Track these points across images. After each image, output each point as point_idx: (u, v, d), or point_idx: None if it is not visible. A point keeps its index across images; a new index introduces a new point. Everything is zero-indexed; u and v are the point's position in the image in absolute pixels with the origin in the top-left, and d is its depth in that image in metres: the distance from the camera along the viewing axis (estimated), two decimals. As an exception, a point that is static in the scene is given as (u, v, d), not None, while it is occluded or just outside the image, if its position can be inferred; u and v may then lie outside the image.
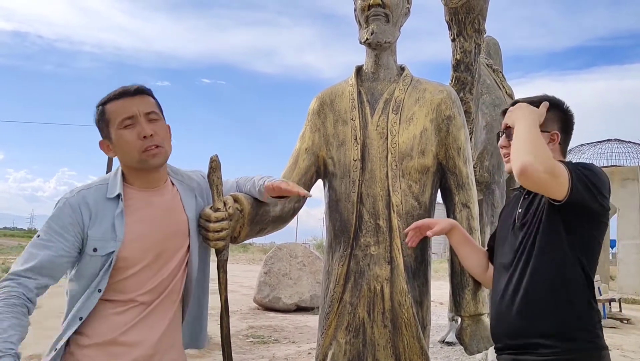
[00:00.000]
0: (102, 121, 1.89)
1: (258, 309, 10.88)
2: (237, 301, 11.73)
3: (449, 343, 6.89)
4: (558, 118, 1.98)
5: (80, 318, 1.77)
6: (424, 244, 2.37)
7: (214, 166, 1.99)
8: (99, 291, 1.79)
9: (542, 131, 1.86)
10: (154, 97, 1.97)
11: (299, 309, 10.64)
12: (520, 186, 2.01)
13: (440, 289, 11.65)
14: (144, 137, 1.85)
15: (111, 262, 1.79)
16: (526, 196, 1.98)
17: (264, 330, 8.53)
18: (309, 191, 2.46)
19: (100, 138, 1.94)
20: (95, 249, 1.79)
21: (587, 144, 23.65)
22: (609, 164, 20.95)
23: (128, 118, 1.85)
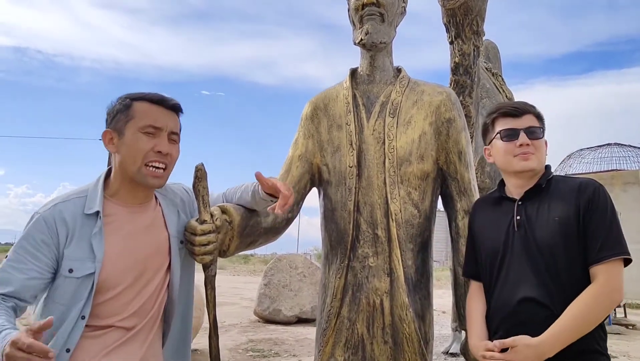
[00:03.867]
0: (123, 114, 1.77)
1: (259, 321, 10.73)
2: (237, 314, 11.60)
3: (453, 355, 6.73)
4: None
5: (68, 350, 1.63)
6: (425, 255, 2.24)
7: (200, 175, 1.86)
8: (83, 318, 1.65)
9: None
10: (180, 120, 1.88)
11: (300, 321, 10.49)
12: (504, 194, 2.01)
13: (442, 298, 11.51)
14: (159, 151, 1.75)
15: (93, 285, 1.65)
16: (520, 203, 1.94)
17: (264, 343, 8.38)
18: (302, 200, 2.34)
19: (106, 128, 1.80)
20: (71, 270, 1.65)
21: (587, 148, 23.53)
22: (610, 169, 20.83)
23: (154, 127, 1.76)
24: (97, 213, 1.71)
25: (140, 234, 1.79)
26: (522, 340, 1.72)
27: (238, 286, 18.04)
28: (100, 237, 1.69)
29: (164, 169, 1.78)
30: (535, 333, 1.73)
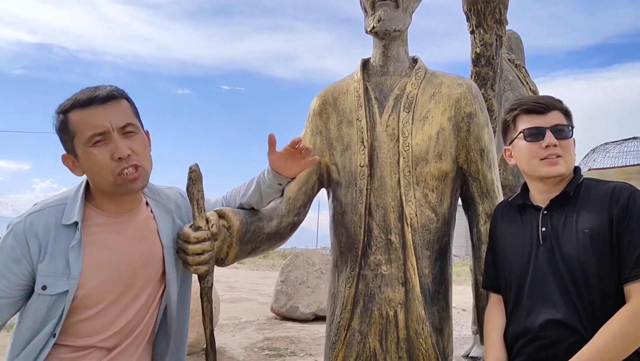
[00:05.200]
0: (65, 133, 1.55)
1: (275, 318, 10.60)
2: (254, 311, 11.49)
3: (474, 358, 6.50)
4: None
5: None
6: (443, 263, 2.05)
7: (194, 176, 1.69)
8: (54, 336, 1.49)
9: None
10: (129, 101, 1.63)
11: (317, 318, 10.33)
12: (528, 201, 1.81)
13: (462, 295, 11.24)
14: (119, 158, 1.52)
15: (65, 304, 1.49)
16: (545, 213, 1.73)
17: (281, 342, 8.24)
18: (310, 202, 2.16)
19: (63, 151, 1.60)
20: (44, 287, 1.49)
21: (612, 142, 23.04)
22: (635, 163, 20.35)
23: (98, 134, 1.51)
24: (76, 223, 1.54)
25: (127, 245, 1.61)
26: None
27: (257, 281, 17.90)
28: (79, 250, 1.52)
29: (137, 168, 1.56)
30: (561, 359, 1.54)
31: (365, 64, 2.22)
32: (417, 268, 1.97)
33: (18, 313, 1.56)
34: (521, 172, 1.88)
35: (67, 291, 1.49)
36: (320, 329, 9.41)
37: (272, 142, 1.88)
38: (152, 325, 1.67)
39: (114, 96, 1.57)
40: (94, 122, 1.52)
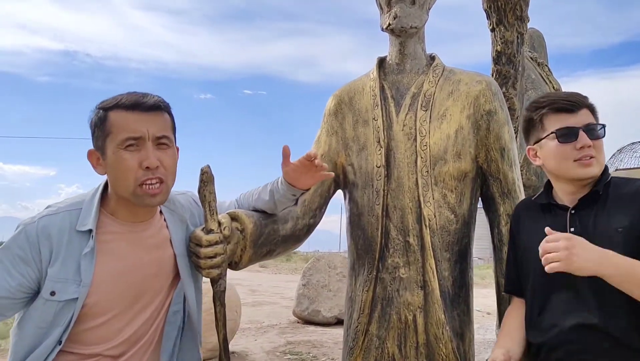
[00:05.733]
0: (100, 129, 1.53)
1: (297, 322, 10.56)
2: (276, 315, 11.46)
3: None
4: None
5: None
6: (463, 265, 1.99)
7: (206, 178, 1.65)
8: (60, 343, 1.47)
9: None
10: (171, 115, 1.61)
11: (339, 322, 10.26)
12: (553, 200, 1.73)
13: (487, 298, 11.07)
14: (147, 167, 1.49)
15: (74, 312, 1.46)
16: (573, 212, 1.65)
17: (303, 346, 8.19)
18: (325, 204, 2.12)
19: (91, 146, 1.58)
20: (53, 293, 1.46)
21: (639, 142, 22.61)
22: (665, 162, 19.92)
23: (133, 139, 1.49)
24: (90, 231, 1.51)
25: (140, 255, 1.58)
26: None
27: (279, 285, 17.87)
28: (91, 258, 1.49)
29: (160, 183, 1.53)
30: None
31: (381, 62, 2.17)
32: (437, 271, 1.91)
33: (18, 316, 1.53)
34: (546, 173, 1.80)
35: (77, 298, 1.46)
36: (342, 333, 9.33)
37: (286, 154, 1.82)
38: (158, 333, 1.64)
39: (159, 106, 1.57)
40: (132, 126, 1.50)
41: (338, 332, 9.41)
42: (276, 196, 1.87)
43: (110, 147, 1.52)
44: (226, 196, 1.68)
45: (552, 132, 1.68)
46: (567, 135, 1.65)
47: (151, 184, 1.51)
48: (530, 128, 1.78)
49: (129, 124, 1.50)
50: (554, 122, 1.69)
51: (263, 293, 15.50)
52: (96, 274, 1.49)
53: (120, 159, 1.50)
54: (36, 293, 1.49)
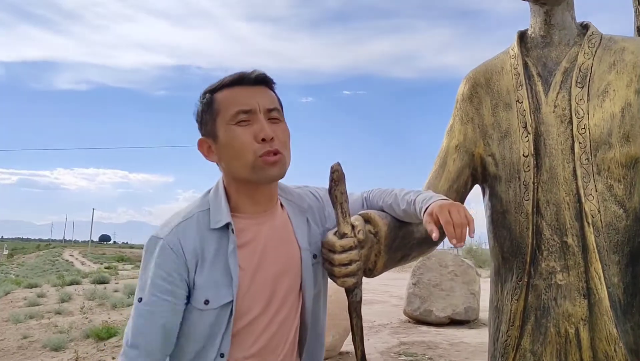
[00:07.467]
0: (208, 113, 1.44)
1: (409, 322, 10.28)
2: (387, 313, 11.26)
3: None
4: None
5: None
6: (636, 269, 1.66)
7: (336, 177, 1.46)
8: (222, 356, 1.36)
9: None
10: (275, 92, 1.51)
11: (453, 322, 9.87)
12: None
13: None
14: (263, 139, 1.38)
15: (230, 316, 1.36)
16: None
17: (417, 347, 7.91)
18: (463, 201, 1.87)
19: (200, 136, 1.50)
20: (207, 302, 1.35)
21: None
22: None
23: (244, 112, 1.40)
24: (228, 225, 1.40)
25: (270, 249, 1.45)
26: None
27: (388, 283, 17.57)
28: (235, 256, 1.38)
29: (277, 153, 1.41)
30: None
31: (522, 36, 1.89)
32: (604, 277, 1.61)
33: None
34: None
35: (231, 301, 1.36)
36: (457, 334, 8.96)
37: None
38: (296, 344, 1.49)
39: (265, 80, 1.48)
40: (242, 99, 1.42)
41: (453, 333, 9.05)
42: (412, 217, 1.62)
43: (221, 128, 1.42)
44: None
45: None
46: None
47: (269, 155, 1.39)
48: None
49: (238, 98, 1.43)
50: None
51: (373, 291, 15.32)
52: (240, 271, 1.39)
53: (233, 136, 1.40)
54: (187, 303, 1.39)
